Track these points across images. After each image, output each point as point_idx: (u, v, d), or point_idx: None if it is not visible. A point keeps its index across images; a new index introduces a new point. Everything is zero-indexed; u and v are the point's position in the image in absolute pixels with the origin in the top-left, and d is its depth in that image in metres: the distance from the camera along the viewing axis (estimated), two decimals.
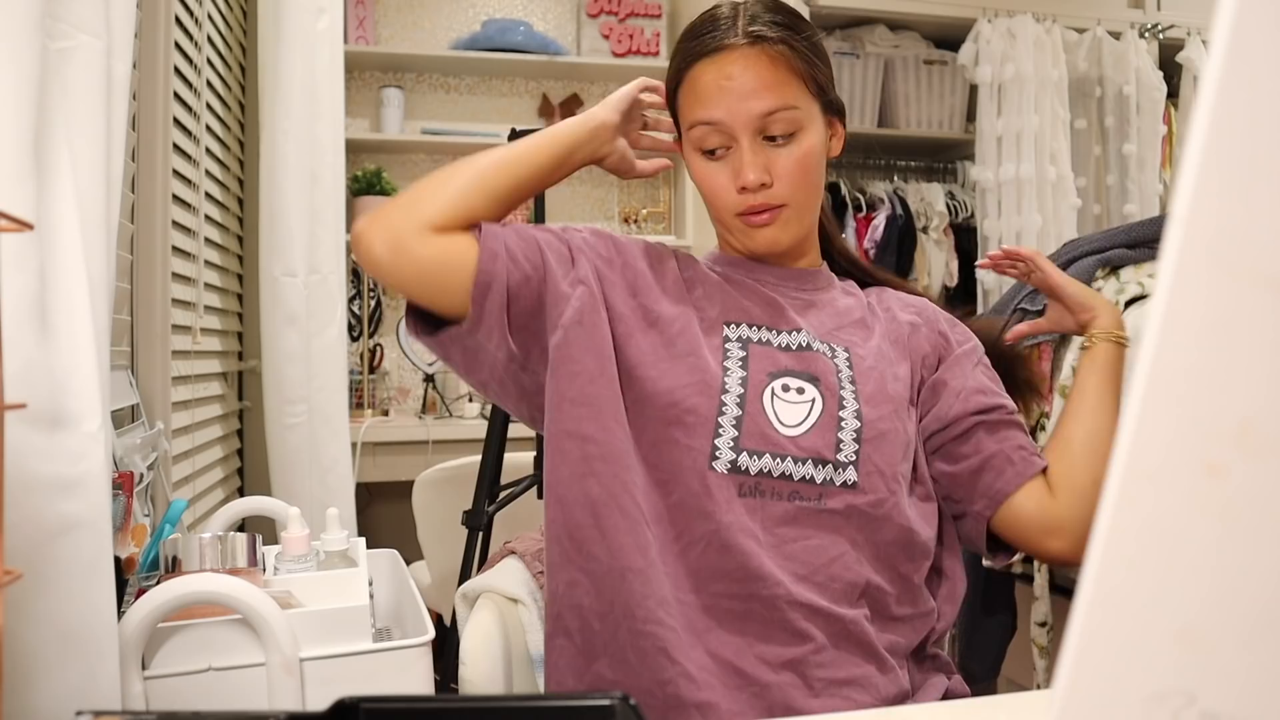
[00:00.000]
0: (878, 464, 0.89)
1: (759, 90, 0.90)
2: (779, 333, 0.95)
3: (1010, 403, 0.99)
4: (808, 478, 0.87)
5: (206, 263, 2.05)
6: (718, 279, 0.99)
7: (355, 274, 2.90)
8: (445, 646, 1.60)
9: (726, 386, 0.89)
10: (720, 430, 0.87)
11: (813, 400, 0.91)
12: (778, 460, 0.87)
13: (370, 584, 0.96)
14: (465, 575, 1.89)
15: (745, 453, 0.87)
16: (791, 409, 0.90)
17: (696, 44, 0.94)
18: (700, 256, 1.05)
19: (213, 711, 0.76)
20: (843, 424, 0.90)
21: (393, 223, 0.87)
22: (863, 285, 1.08)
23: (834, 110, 0.99)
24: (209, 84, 2.10)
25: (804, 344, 0.94)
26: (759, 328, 0.95)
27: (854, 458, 0.88)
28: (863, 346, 0.97)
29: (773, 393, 0.90)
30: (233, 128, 2.39)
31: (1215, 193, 0.24)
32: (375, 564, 1.05)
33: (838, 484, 0.87)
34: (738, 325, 0.95)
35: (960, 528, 0.99)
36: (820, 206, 1.02)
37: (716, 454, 0.86)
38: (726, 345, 0.93)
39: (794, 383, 0.91)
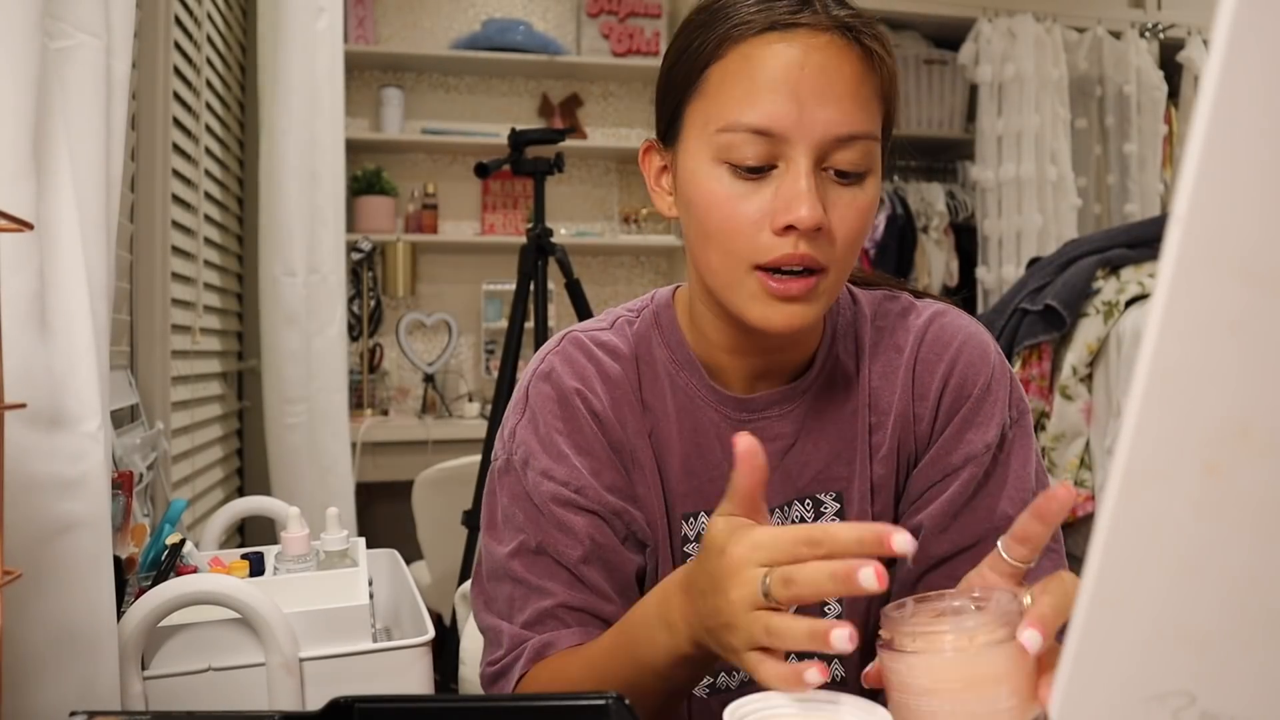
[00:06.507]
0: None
1: (843, 99, 0.65)
2: None
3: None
4: None
5: (206, 263, 2.05)
6: (672, 417, 0.77)
7: (355, 274, 2.90)
8: (445, 646, 1.60)
9: None
10: None
11: None
12: None
13: (370, 584, 0.96)
14: (465, 575, 1.89)
15: (723, 672, 0.76)
16: None
17: (758, 10, 0.66)
18: (653, 302, 0.81)
19: (206, 711, 0.76)
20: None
21: None
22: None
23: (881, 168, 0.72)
24: (209, 84, 2.10)
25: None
26: None
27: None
28: (850, 487, 0.77)
29: None
30: (233, 128, 2.39)
31: (1215, 193, 0.24)
32: (375, 564, 1.05)
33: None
34: (696, 518, 0.76)
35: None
36: None
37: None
38: (686, 550, 0.76)
39: None
